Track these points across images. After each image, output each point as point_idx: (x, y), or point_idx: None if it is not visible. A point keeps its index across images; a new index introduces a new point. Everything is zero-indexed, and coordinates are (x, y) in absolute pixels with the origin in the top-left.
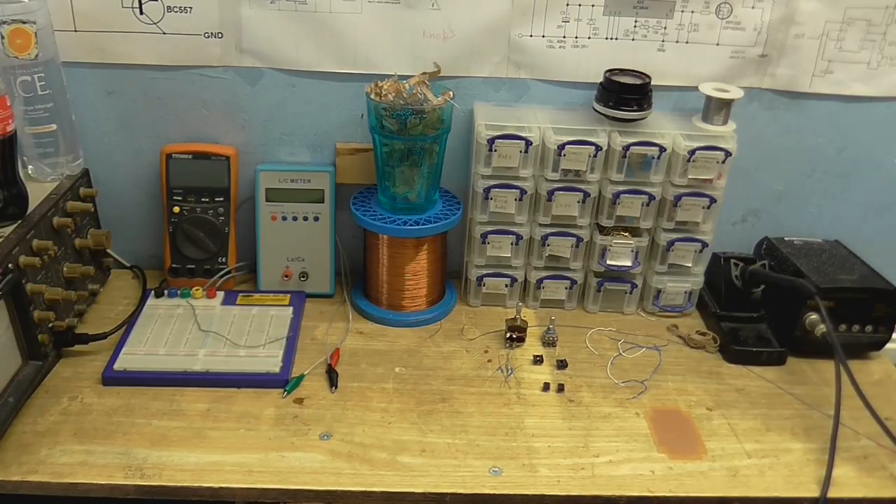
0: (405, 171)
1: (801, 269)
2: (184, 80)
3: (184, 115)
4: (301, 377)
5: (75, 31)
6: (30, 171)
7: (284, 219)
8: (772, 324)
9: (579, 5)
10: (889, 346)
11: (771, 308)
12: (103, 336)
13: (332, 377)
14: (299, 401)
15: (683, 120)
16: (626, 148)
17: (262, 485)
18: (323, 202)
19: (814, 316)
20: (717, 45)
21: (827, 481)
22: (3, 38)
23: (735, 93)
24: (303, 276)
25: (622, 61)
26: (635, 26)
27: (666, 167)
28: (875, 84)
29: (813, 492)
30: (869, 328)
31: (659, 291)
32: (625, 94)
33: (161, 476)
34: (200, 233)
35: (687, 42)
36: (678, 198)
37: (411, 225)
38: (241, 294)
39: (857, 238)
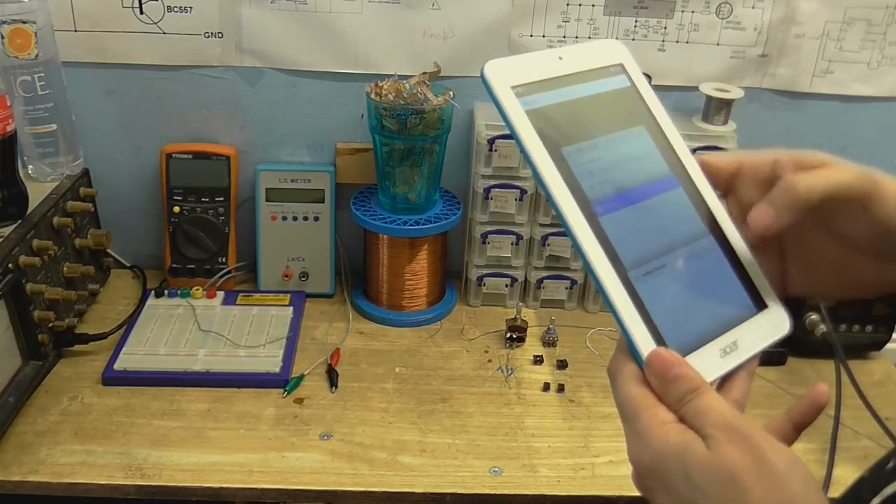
0: (405, 171)
1: None
2: (184, 79)
3: (184, 115)
4: (301, 377)
5: (75, 31)
6: (30, 171)
7: (284, 219)
8: None
9: (579, 5)
10: (889, 346)
11: None
12: (103, 336)
13: (332, 377)
14: (299, 401)
15: (683, 120)
16: None
17: (262, 485)
18: (323, 202)
19: (814, 316)
20: (718, 45)
21: (827, 481)
22: (3, 37)
23: (735, 93)
24: (303, 276)
25: None
26: (635, 26)
27: None
28: (875, 84)
29: None
30: (869, 328)
31: None
32: None
33: (161, 476)
34: (200, 233)
35: (687, 42)
36: None
37: (411, 225)
38: (241, 294)
39: None
